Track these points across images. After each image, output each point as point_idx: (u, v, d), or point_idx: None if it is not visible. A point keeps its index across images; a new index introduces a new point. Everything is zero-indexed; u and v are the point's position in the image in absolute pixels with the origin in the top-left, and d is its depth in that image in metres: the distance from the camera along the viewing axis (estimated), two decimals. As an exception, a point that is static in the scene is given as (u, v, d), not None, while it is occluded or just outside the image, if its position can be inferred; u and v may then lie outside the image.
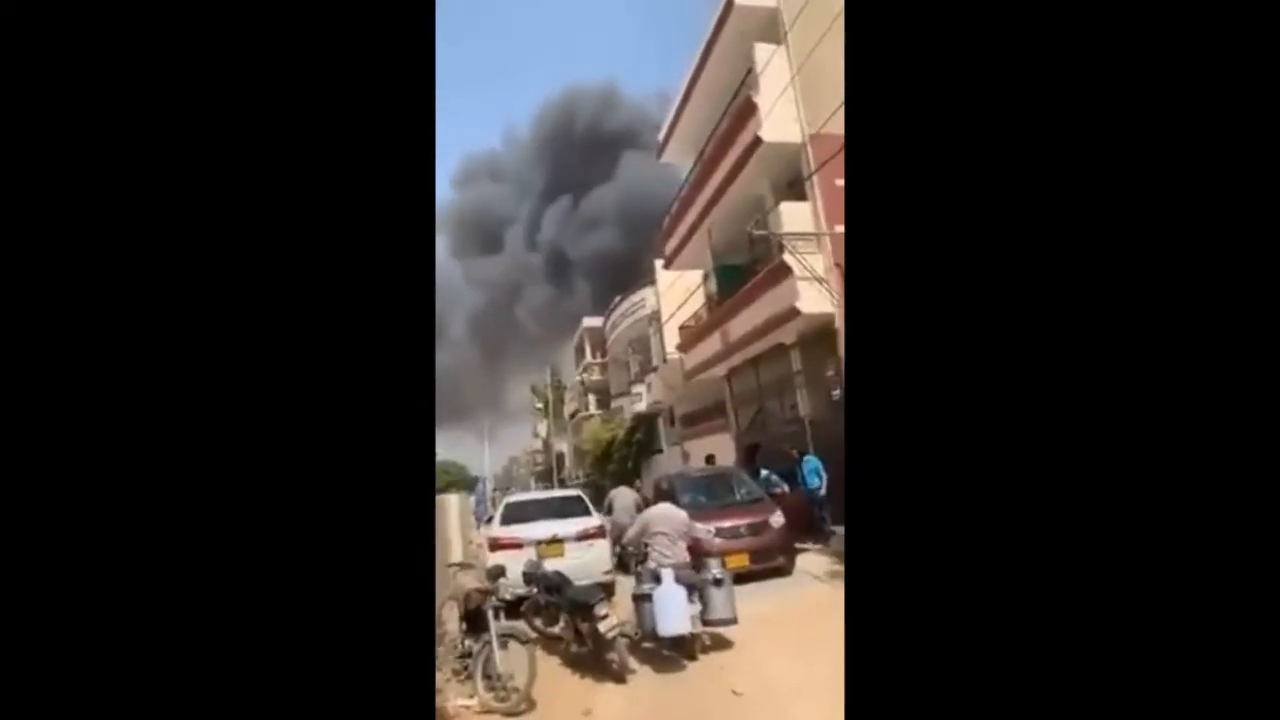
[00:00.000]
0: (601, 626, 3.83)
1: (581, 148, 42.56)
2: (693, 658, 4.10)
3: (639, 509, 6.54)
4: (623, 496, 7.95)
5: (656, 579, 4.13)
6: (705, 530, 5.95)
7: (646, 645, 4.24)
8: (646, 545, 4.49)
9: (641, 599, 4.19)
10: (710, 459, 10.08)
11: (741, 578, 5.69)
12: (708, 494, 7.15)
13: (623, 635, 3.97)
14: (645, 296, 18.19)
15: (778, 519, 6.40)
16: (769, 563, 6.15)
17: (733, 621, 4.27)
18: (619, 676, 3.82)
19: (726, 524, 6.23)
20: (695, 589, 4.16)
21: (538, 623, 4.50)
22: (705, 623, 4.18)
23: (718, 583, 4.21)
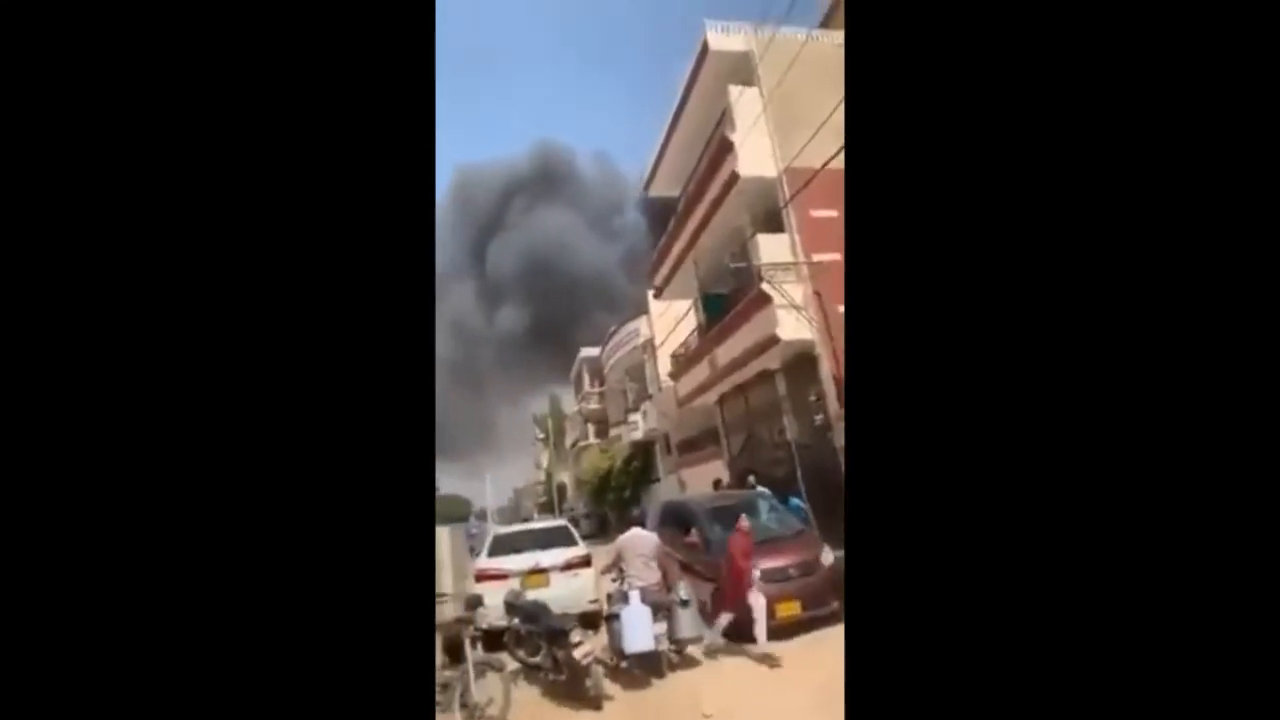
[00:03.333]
0: (576, 653, 3.94)
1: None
2: (659, 675, 4.28)
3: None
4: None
5: (626, 600, 4.36)
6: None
7: (622, 665, 4.37)
8: (623, 571, 4.69)
9: (611, 619, 4.45)
10: (717, 484, 9.74)
11: (789, 628, 4.78)
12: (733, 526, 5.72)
13: (598, 662, 4.08)
14: (639, 325, 18.49)
15: (828, 556, 5.24)
16: (823, 609, 4.90)
17: (699, 640, 4.52)
18: (595, 703, 3.91)
19: (772, 564, 4.93)
20: (663, 609, 4.40)
21: (520, 653, 4.60)
22: (673, 641, 4.41)
23: (684, 603, 4.48)
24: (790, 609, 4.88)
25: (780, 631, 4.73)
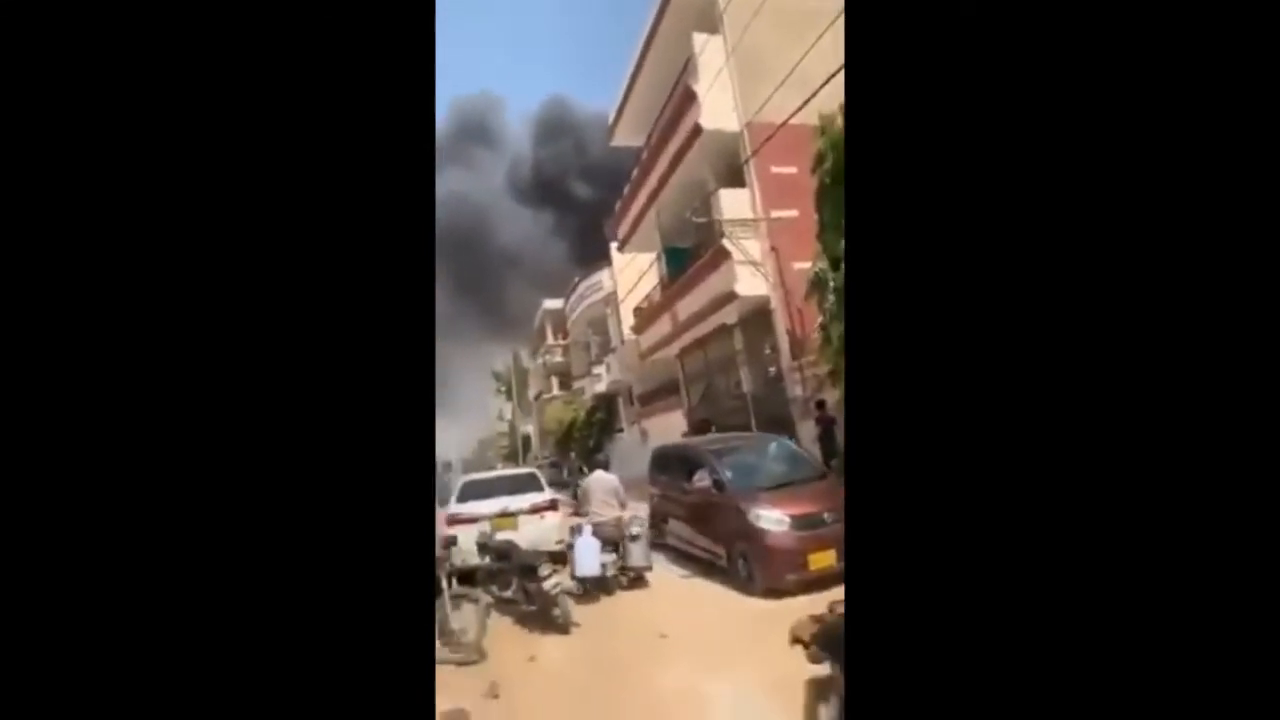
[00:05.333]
0: (545, 585, 4.30)
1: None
2: (609, 593, 5.15)
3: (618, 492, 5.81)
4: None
5: (580, 533, 5.18)
6: (777, 519, 4.54)
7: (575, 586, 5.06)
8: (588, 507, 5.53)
9: (569, 548, 5.20)
10: (701, 426, 9.22)
11: (824, 581, 4.22)
12: (749, 472, 5.28)
13: (564, 592, 4.46)
14: (602, 278, 18.46)
15: None
16: None
17: (647, 568, 5.30)
18: (562, 628, 4.31)
19: (802, 510, 4.60)
20: (615, 542, 5.20)
21: (492, 588, 4.95)
22: (623, 569, 5.23)
23: (634, 538, 5.24)
24: (825, 559, 4.31)
25: (815, 584, 4.25)
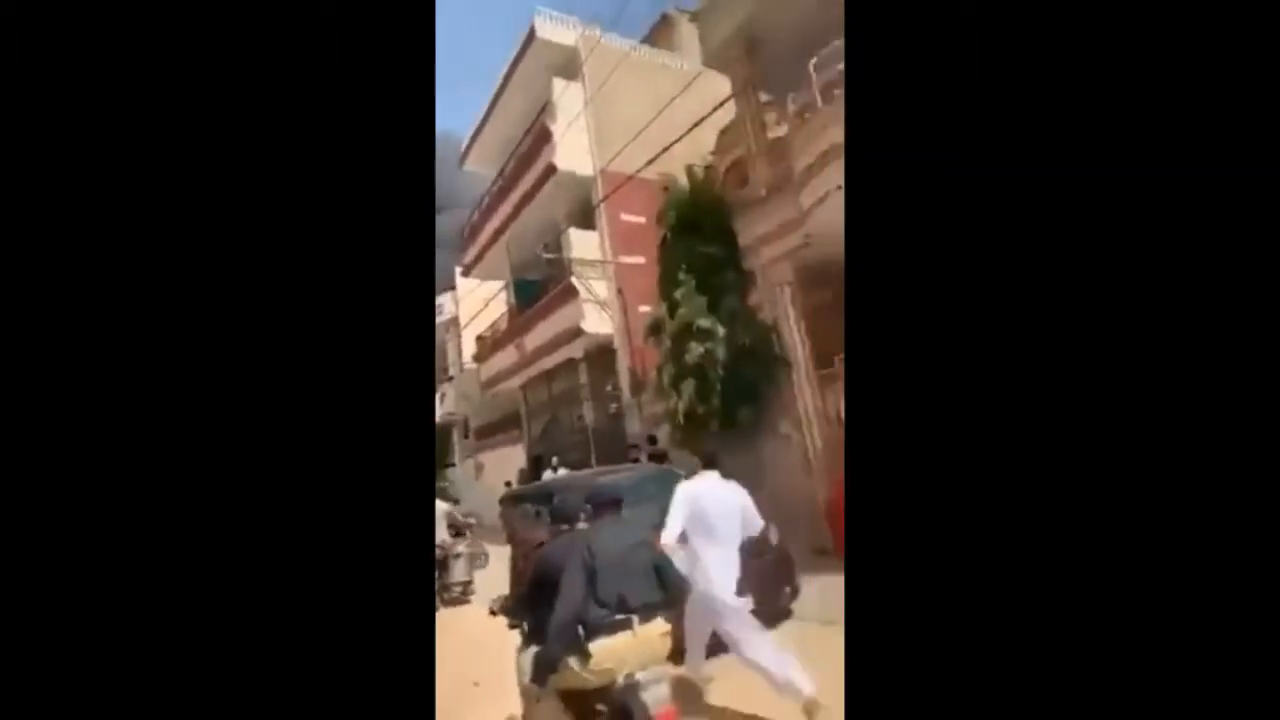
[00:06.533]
0: None
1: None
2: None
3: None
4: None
5: None
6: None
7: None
8: None
9: None
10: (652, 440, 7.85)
11: None
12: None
13: None
14: (443, 302, 17.50)
15: (774, 534, 3.79)
16: (777, 602, 3.80)
17: (468, 582, 6.23)
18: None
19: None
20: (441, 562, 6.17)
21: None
22: (444, 585, 6.11)
23: (456, 556, 6.17)
24: None
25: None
